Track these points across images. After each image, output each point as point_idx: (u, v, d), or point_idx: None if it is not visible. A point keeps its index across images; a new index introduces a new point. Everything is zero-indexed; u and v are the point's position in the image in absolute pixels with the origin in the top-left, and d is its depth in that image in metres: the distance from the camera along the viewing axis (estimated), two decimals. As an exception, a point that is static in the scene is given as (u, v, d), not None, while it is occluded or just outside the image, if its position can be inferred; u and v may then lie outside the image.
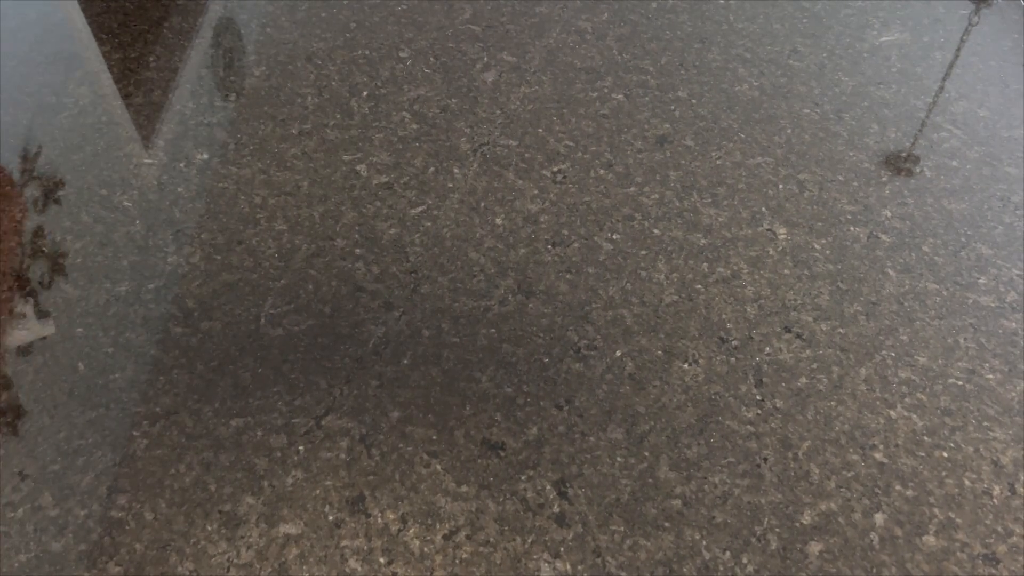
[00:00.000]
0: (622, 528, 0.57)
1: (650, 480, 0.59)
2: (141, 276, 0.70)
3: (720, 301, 0.70)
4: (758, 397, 0.64)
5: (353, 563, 0.55)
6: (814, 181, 0.79)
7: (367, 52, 0.90)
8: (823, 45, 0.93)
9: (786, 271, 0.72)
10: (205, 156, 0.80)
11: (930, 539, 0.57)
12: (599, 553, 0.55)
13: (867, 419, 0.63)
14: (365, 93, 0.86)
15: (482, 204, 0.77)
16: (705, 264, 0.72)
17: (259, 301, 0.68)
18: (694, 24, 0.95)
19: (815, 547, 0.56)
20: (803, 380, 0.65)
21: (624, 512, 0.57)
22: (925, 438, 0.62)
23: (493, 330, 0.68)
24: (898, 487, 0.59)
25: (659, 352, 0.67)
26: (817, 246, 0.74)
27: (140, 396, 0.62)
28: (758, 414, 0.63)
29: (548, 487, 0.58)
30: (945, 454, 0.61)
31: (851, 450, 0.61)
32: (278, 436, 0.61)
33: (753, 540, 0.56)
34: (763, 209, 0.77)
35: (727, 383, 0.65)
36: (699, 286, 0.71)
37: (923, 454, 0.61)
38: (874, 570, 0.55)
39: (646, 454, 0.60)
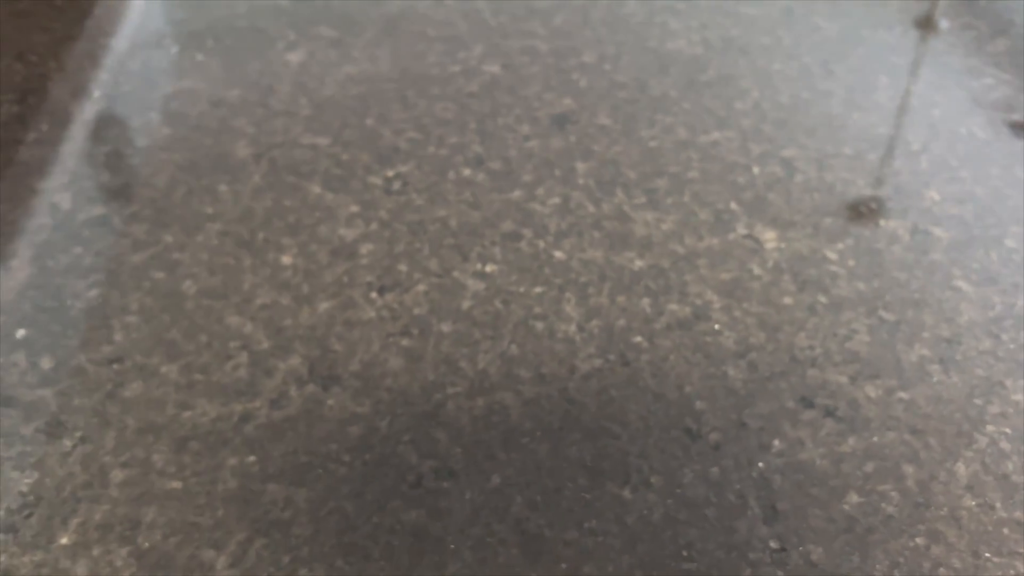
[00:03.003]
0: None
1: None
2: None
3: (678, 362, 0.39)
4: (773, 546, 0.32)
5: None
6: (807, 158, 0.50)
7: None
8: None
9: (787, 300, 0.42)
10: None
11: None
12: None
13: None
14: (97, 94, 0.55)
15: (260, 235, 0.45)
16: (647, 301, 0.41)
17: None
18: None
19: None
20: (853, 501, 0.33)
21: None
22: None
23: (252, 458, 0.35)
24: None
25: (575, 479, 0.35)
26: (832, 254, 0.44)
27: None
28: (779, 582, 0.31)
29: None
30: None
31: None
32: None
33: None
34: (732, 205, 0.47)
35: (712, 527, 0.33)
36: (639, 338, 0.40)
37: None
38: None
39: None
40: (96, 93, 0.55)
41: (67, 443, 0.36)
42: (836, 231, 0.45)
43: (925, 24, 0.61)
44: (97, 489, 0.34)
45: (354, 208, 0.47)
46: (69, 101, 0.54)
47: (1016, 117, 0.52)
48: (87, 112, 0.53)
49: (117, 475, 0.35)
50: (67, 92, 0.55)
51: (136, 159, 0.50)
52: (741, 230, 0.45)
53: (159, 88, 0.56)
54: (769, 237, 0.45)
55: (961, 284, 0.42)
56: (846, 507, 0.33)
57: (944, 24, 0.61)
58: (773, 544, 0.32)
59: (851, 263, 0.43)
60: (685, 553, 0.32)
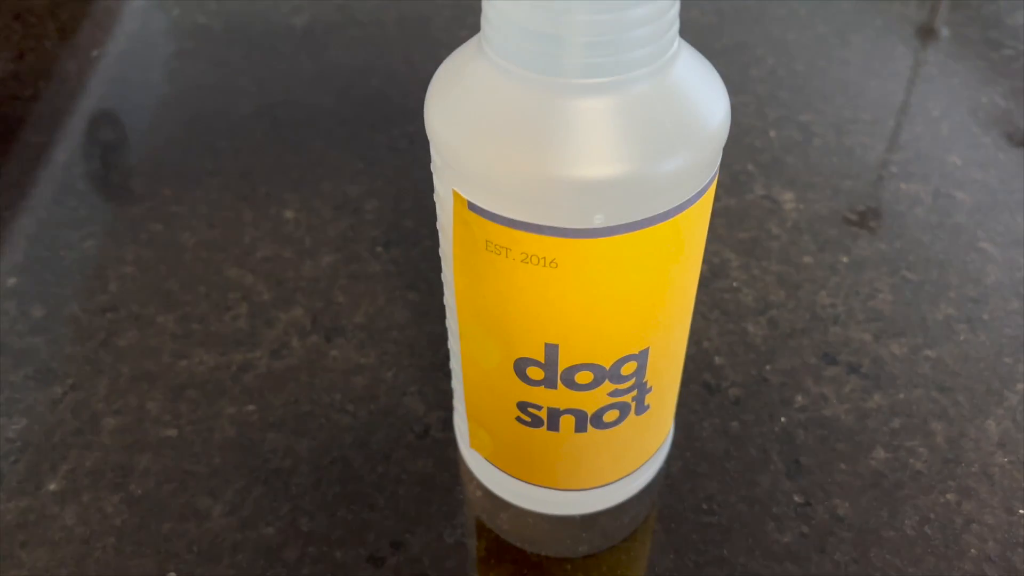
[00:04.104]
0: None
1: None
2: None
3: (695, 318, 0.37)
4: (797, 500, 0.30)
5: None
6: (824, 123, 0.48)
7: None
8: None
9: (807, 259, 0.40)
10: None
11: None
12: None
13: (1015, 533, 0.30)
14: (95, 53, 0.54)
15: (262, 190, 0.43)
16: (661, 259, 0.40)
17: None
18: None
19: None
20: (880, 456, 0.32)
21: None
22: None
23: (251, 407, 0.34)
24: None
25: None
26: (852, 215, 0.42)
27: None
28: (792, 541, 0.29)
29: None
30: None
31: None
32: None
33: None
34: (749, 167, 0.45)
35: (733, 481, 0.31)
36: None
37: None
38: None
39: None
40: (94, 53, 0.54)
41: (58, 390, 0.34)
42: (856, 193, 0.44)
43: (941, -2, 0.60)
44: (88, 436, 0.32)
45: (359, 165, 0.45)
46: (67, 61, 0.53)
47: (1037, 87, 0.51)
48: (84, 72, 0.52)
49: (109, 422, 0.33)
50: (64, 52, 0.54)
51: (134, 116, 0.49)
52: (759, 191, 0.44)
53: (159, 49, 0.54)
54: (787, 198, 0.43)
55: (986, 246, 0.41)
56: (872, 462, 0.32)
57: (961, -1, 0.59)
58: (797, 498, 0.31)
59: (872, 224, 0.42)
60: (705, 506, 0.30)
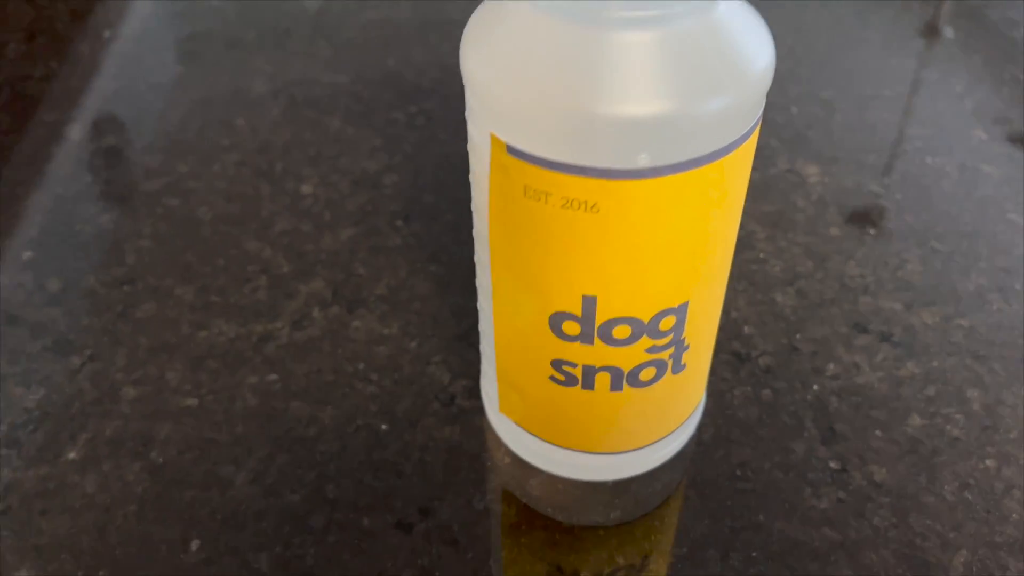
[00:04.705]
0: None
1: None
2: None
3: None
4: (833, 467, 0.30)
5: None
6: (846, 99, 0.48)
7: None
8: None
9: (834, 231, 0.40)
10: None
11: None
12: None
13: (1073, 492, 0.29)
14: (107, 34, 0.53)
15: (279, 166, 0.43)
16: (685, 232, 0.39)
17: None
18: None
19: None
20: (915, 423, 0.31)
21: None
22: None
23: (273, 376, 0.33)
24: None
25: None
26: (877, 188, 0.42)
27: None
28: (828, 509, 0.29)
29: None
30: None
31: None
32: None
33: None
34: (772, 142, 0.45)
35: (767, 448, 0.31)
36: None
37: None
38: None
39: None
40: (107, 34, 0.53)
41: (76, 360, 0.34)
42: (880, 167, 0.43)
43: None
44: (107, 405, 0.32)
45: (377, 142, 0.45)
46: (79, 42, 0.53)
47: (1059, 64, 0.51)
48: (97, 52, 0.52)
49: (129, 392, 0.32)
50: (76, 33, 0.53)
51: (148, 95, 0.48)
52: (782, 165, 0.43)
53: (173, 30, 0.54)
54: (812, 172, 0.43)
55: (1015, 218, 0.40)
56: (908, 429, 0.31)
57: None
58: (833, 464, 0.30)
59: (898, 197, 0.41)
60: (739, 473, 0.30)
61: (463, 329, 0.35)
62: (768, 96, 0.47)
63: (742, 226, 0.40)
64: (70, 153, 0.44)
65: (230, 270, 0.38)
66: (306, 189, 0.42)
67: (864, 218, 0.40)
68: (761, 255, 0.38)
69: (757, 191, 0.42)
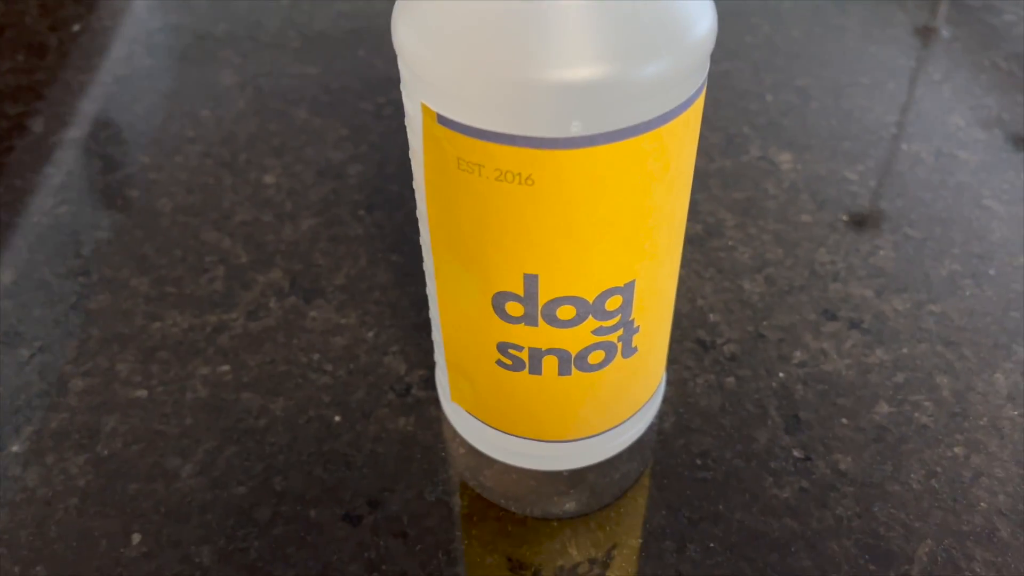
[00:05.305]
0: None
1: None
2: None
3: (689, 276, 0.36)
4: (797, 455, 0.29)
5: None
6: (822, 87, 0.47)
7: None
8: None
9: (805, 217, 0.39)
10: None
11: None
12: None
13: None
14: (76, 28, 0.53)
15: (242, 156, 0.42)
16: (654, 220, 0.38)
17: None
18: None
19: None
20: (883, 411, 0.30)
21: None
22: None
23: (225, 367, 0.32)
24: None
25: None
26: (851, 174, 0.41)
27: None
28: (791, 488, 0.28)
29: None
30: None
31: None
32: None
33: None
34: (745, 129, 0.44)
35: (728, 436, 0.30)
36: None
37: None
38: None
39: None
40: (75, 27, 0.53)
41: (24, 352, 0.33)
42: (855, 154, 0.42)
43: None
44: (55, 398, 0.31)
45: (343, 132, 0.44)
46: (46, 35, 0.52)
47: (1040, 51, 0.50)
48: (64, 45, 0.51)
49: (77, 384, 0.32)
50: (44, 26, 0.53)
51: (115, 87, 0.48)
52: (755, 152, 0.42)
53: (142, 23, 0.53)
54: (784, 159, 0.42)
55: (990, 203, 0.39)
56: (875, 417, 0.30)
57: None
58: (797, 453, 0.29)
59: (872, 183, 0.40)
60: (700, 462, 0.29)
61: (423, 319, 0.34)
62: (743, 84, 0.46)
63: (711, 213, 0.39)
64: (30, 145, 0.43)
65: (187, 261, 0.37)
66: (269, 179, 0.41)
67: (837, 205, 0.39)
68: (730, 242, 0.37)
69: (728, 178, 0.41)
